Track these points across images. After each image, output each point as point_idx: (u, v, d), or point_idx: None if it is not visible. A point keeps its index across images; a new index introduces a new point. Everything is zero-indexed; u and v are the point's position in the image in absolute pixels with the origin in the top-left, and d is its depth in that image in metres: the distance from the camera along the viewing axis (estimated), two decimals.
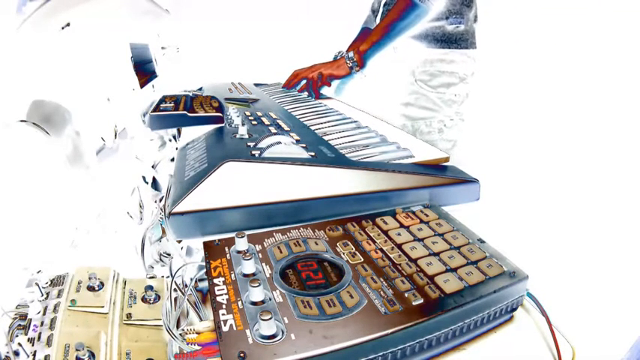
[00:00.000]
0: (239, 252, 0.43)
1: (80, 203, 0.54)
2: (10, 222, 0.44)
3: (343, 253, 0.44)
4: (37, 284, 0.42)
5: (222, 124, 0.76)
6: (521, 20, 1.90)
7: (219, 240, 0.46)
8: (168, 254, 0.59)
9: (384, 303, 0.37)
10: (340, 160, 0.57)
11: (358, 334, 0.34)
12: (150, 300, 0.44)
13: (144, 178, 0.76)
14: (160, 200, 0.67)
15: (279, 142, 0.60)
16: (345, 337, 0.33)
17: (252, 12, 1.99)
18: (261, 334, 0.33)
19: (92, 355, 0.36)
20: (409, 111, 1.27)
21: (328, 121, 0.82)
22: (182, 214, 0.49)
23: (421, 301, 0.37)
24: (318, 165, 0.54)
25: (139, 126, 0.78)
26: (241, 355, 0.32)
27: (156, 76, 1.03)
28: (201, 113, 0.77)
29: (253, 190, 0.51)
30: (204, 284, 0.46)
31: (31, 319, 0.39)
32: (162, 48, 1.19)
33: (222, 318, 0.35)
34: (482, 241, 0.46)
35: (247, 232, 0.45)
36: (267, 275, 0.41)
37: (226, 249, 0.45)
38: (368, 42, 1.12)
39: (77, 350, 0.35)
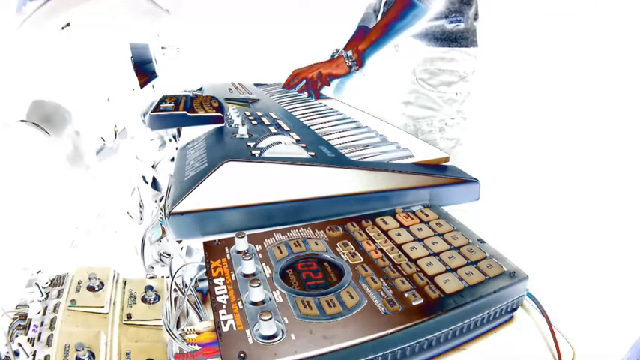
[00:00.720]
0: (239, 252, 0.43)
1: (80, 203, 0.54)
2: (10, 222, 0.44)
3: (343, 253, 0.44)
4: (37, 284, 0.42)
5: (222, 124, 0.76)
6: (522, 17, 1.90)
7: (219, 240, 0.46)
8: (168, 254, 0.59)
9: (384, 303, 0.37)
10: (340, 160, 0.57)
11: (358, 334, 0.34)
12: (150, 300, 0.44)
13: (144, 178, 0.76)
14: (160, 200, 0.67)
15: (279, 142, 0.60)
16: (345, 337, 0.33)
17: (251, 12, 1.99)
18: (261, 334, 0.33)
19: (92, 355, 0.36)
20: (410, 110, 1.27)
21: (328, 121, 0.82)
22: (182, 214, 0.49)
23: (421, 301, 0.37)
24: (318, 165, 0.54)
25: (139, 126, 0.78)
26: (241, 355, 0.32)
27: (156, 76, 1.03)
28: (201, 113, 0.77)
29: (253, 190, 0.51)
30: (204, 284, 0.46)
31: (31, 319, 0.39)
32: (163, 48, 1.19)
33: (222, 318, 0.35)
34: (483, 241, 0.46)
35: (247, 232, 0.45)
36: (267, 275, 0.41)
37: (226, 249, 0.45)
38: (367, 41, 1.12)
39: (77, 350, 0.35)
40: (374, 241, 0.47)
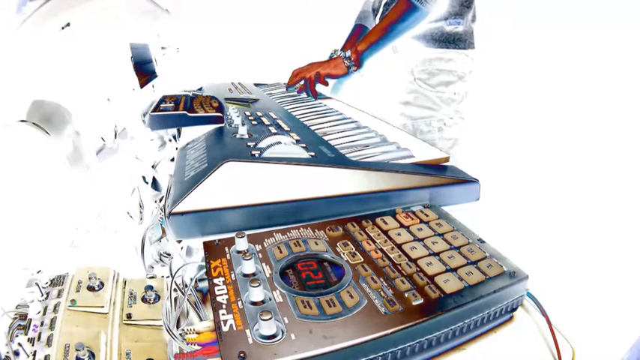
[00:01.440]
0: (239, 252, 0.43)
1: (80, 203, 0.54)
2: (10, 222, 0.44)
3: (343, 253, 0.44)
4: (37, 284, 0.42)
5: (222, 124, 0.76)
6: (519, 19, 1.90)
7: (219, 240, 0.46)
8: (168, 254, 0.59)
9: (384, 303, 0.37)
10: (340, 160, 0.57)
11: (358, 334, 0.34)
12: (150, 300, 0.44)
13: (144, 178, 0.76)
14: (160, 200, 0.67)
15: (279, 142, 0.60)
16: (345, 337, 0.33)
17: (251, 12, 1.99)
18: (261, 334, 0.33)
19: (92, 355, 0.36)
20: (408, 110, 1.27)
21: (328, 121, 0.82)
22: (182, 214, 0.49)
23: (421, 301, 0.37)
24: (318, 165, 0.54)
25: (139, 126, 0.78)
26: (241, 355, 0.32)
27: (156, 76, 1.03)
28: (201, 113, 0.77)
29: (253, 190, 0.51)
30: (204, 284, 0.46)
31: (31, 319, 0.39)
32: (162, 48, 1.19)
33: (222, 318, 0.35)
34: (483, 241, 0.46)
35: (247, 232, 0.44)
36: (267, 275, 0.41)
37: (226, 249, 0.45)
38: (366, 42, 1.12)
39: (77, 350, 0.35)
40: (374, 241, 0.47)
